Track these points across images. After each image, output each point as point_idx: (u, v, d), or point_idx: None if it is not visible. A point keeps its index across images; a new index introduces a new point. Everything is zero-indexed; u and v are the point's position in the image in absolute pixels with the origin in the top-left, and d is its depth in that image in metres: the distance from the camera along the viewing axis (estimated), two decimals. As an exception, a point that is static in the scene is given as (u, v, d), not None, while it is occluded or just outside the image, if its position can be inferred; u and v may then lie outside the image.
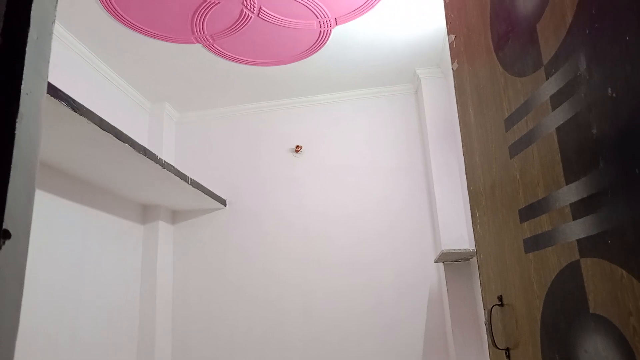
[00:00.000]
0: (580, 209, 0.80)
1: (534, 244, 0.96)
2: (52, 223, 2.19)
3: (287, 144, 3.21)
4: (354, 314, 2.82)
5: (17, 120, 0.55)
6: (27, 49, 0.58)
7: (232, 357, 2.87)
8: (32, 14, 0.59)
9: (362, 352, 2.76)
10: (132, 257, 2.81)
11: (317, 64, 2.83)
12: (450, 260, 2.61)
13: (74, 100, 1.60)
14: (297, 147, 3.17)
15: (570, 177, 0.83)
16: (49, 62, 0.63)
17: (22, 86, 0.57)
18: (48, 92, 1.49)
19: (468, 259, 2.61)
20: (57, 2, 0.65)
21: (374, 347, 2.76)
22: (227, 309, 2.95)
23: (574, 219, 0.82)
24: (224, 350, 2.89)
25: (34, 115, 0.58)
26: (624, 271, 0.72)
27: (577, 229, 0.82)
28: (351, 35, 2.56)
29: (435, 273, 2.83)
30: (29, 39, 0.59)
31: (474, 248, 1.77)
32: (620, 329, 0.73)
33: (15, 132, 0.55)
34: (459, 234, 2.63)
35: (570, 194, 0.83)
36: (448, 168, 2.76)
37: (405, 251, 2.89)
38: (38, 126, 0.59)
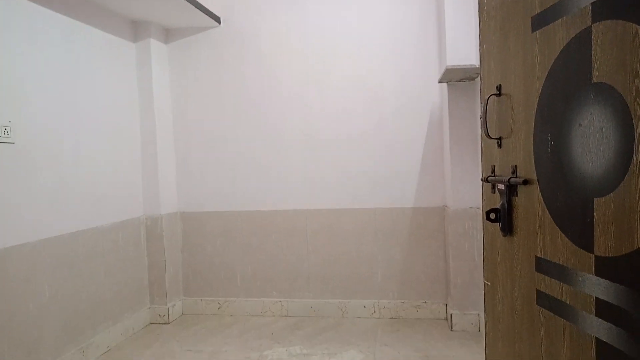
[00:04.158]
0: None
1: (543, 18, 0.87)
2: (36, 34, 2.07)
3: (285, -48, 2.88)
4: (354, 134, 2.84)
5: None
6: None
7: (233, 178, 2.97)
8: None
9: (361, 171, 2.84)
10: (127, 76, 2.73)
11: None
12: (455, 80, 2.52)
13: None
14: (296, -45, 2.84)
15: None
16: None
17: None
18: None
19: (473, 78, 2.52)
20: None
21: (373, 166, 2.83)
22: (227, 130, 2.97)
23: (593, -24, 0.72)
24: (225, 171, 2.98)
25: None
26: (639, 28, 0.64)
27: (595, -11, 0.72)
28: None
29: (438, 94, 2.77)
30: None
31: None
32: (621, 93, 0.69)
33: None
34: (467, 51, 2.49)
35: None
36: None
37: (409, 71, 2.78)
38: None
